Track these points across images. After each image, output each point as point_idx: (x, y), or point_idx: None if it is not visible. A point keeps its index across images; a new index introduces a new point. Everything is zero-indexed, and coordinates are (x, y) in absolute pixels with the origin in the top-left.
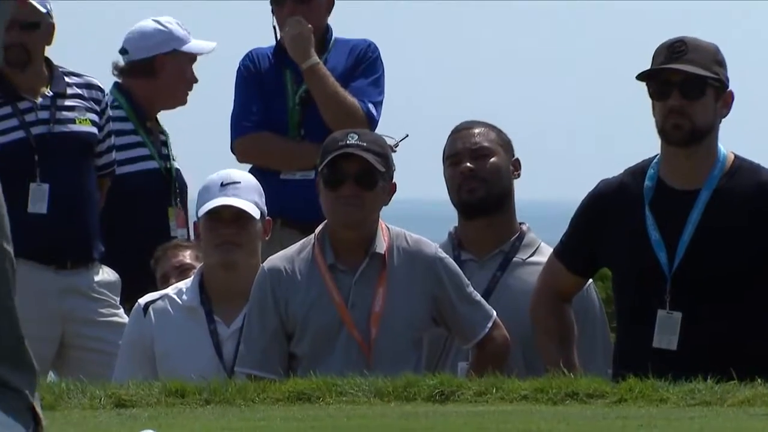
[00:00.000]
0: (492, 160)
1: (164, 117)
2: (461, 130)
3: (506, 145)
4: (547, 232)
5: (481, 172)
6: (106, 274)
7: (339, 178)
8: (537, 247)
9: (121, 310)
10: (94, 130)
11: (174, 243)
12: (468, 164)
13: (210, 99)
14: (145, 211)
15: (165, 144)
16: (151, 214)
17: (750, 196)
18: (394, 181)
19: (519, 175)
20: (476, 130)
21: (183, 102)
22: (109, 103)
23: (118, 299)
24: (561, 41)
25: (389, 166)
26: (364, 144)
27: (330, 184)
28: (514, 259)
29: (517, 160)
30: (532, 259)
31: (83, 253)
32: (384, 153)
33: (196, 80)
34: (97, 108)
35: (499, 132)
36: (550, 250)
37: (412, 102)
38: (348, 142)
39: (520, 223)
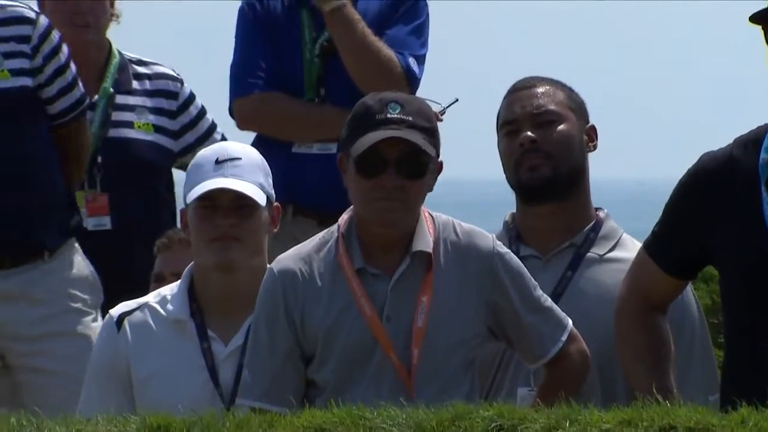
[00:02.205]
0: (560, 128)
1: None
2: (520, 89)
3: (578, 108)
4: (631, 221)
5: (545, 144)
6: (71, 266)
7: (377, 164)
8: (618, 240)
9: (90, 318)
10: (24, 81)
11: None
12: (529, 134)
13: (205, 47)
14: None
15: (92, 107)
16: None
17: None
18: (440, 159)
19: (595, 147)
20: (539, 90)
21: (86, 38)
22: (43, 35)
23: (91, 300)
24: None
25: (437, 145)
26: (410, 118)
27: (364, 171)
28: (589, 254)
29: (593, 127)
30: (612, 254)
31: (27, 243)
32: (432, 128)
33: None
34: (26, 48)
35: (569, 91)
36: (636, 243)
37: (459, 57)
38: (389, 115)
39: (596, 209)
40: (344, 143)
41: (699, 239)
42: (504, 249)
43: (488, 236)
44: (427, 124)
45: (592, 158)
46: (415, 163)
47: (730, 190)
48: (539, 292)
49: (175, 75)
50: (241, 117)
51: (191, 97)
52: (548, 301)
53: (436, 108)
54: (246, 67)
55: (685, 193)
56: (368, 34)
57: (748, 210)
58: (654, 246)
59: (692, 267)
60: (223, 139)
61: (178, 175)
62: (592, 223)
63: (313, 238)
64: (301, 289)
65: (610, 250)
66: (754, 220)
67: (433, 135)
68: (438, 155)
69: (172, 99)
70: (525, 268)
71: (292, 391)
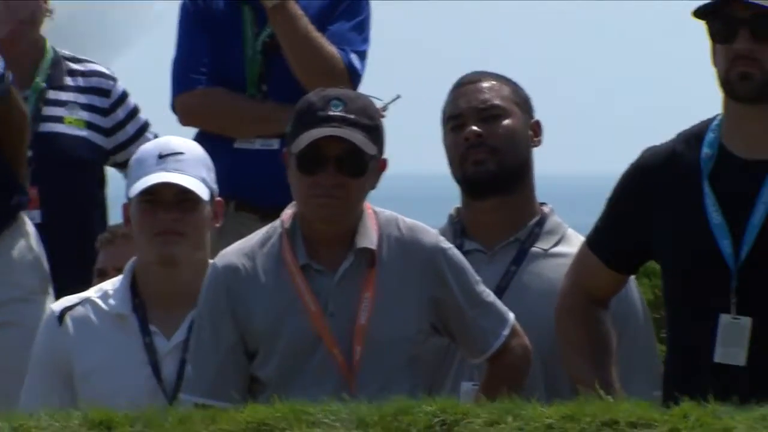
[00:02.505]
0: (505, 122)
1: None
2: (465, 84)
3: (523, 103)
4: (575, 216)
5: (490, 139)
6: (12, 252)
7: (317, 162)
8: (562, 235)
9: (35, 305)
10: None
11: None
12: (474, 128)
13: (146, 41)
14: None
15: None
16: None
17: None
18: (384, 156)
19: (539, 143)
20: (485, 85)
21: (20, 35)
22: None
23: (37, 285)
24: None
25: (381, 142)
26: (352, 117)
27: (305, 168)
28: (533, 249)
29: (537, 122)
30: (556, 249)
31: None
32: (375, 125)
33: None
34: None
35: (514, 86)
36: (581, 238)
37: (402, 53)
38: (330, 112)
39: (541, 204)
40: (287, 139)
41: (641, 233)
42: (447, 244)
43: (431, 232)
44: (370, 122)
45: (549, 154)
46: (356, 162)
47: (672, 185)
48: (482, 287)
49: (108, 73)
50: (184, 113)
51: (124, 95)
52: (490, 296)
53: (377, 105)
54: (188, 63)
55: (627, 188)
56: (311, 30)
57: (689, 205)
58: (596, 240)
59: (634, 261)
60: (156, 137)
61: (112, 173)
62: (536, 218)
63: (256, 233)
64: (245, 285)
65: (555, 245)
66: (696, 214)
67: (376, 133)
68: (381, 153)
69: (104, 96)
70: (468, 264)
71: (235, 386)
